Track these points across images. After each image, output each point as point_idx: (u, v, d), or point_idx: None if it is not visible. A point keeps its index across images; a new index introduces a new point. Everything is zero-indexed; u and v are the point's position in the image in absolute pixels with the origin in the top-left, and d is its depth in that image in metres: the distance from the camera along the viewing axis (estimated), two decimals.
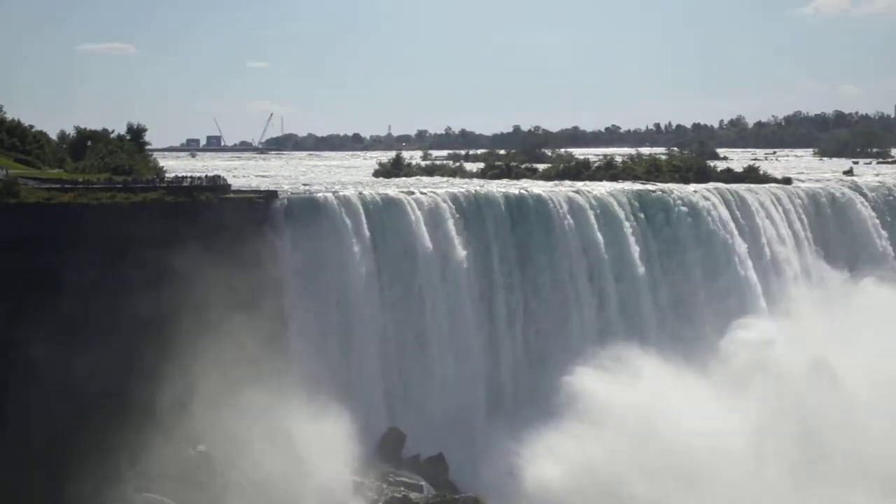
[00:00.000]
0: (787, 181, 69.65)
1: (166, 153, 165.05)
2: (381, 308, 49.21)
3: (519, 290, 52.84)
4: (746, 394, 49.82)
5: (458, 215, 52.38)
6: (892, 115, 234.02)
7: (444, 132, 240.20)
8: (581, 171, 70.96)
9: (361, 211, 49.99)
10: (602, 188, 59.50)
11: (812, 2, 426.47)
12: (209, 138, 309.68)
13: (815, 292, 60.01)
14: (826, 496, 45.24)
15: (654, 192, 59.82)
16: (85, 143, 72.31)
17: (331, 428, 42.94)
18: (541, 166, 77.65)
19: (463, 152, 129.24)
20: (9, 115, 69.16)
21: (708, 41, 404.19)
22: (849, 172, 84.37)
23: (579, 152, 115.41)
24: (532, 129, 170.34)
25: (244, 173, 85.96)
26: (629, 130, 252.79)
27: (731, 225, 59.64)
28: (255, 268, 45.49)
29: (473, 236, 52.42)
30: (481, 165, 79.69)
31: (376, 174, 74.95)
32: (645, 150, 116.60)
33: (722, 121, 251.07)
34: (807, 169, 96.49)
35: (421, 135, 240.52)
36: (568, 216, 54.94)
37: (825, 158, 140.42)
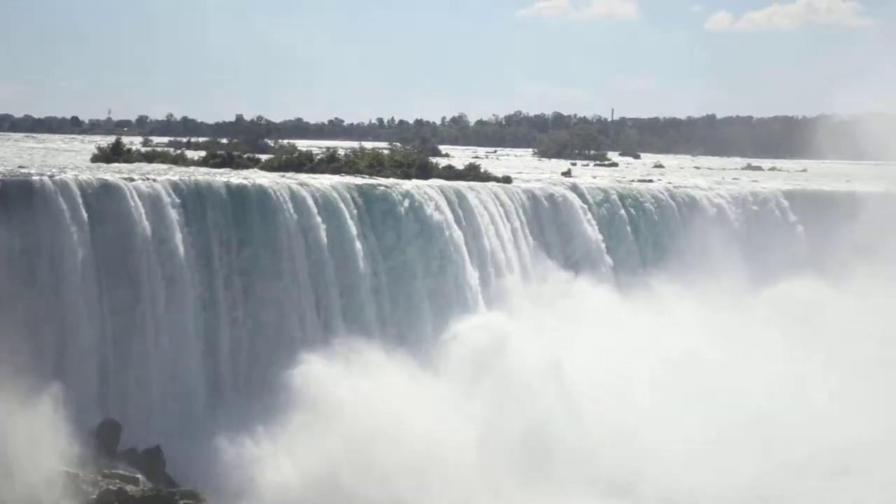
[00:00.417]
0: (508, 180, 70.95)
1: None
2: (98, 296, 47.95)
3: (240, 282, 52.39)
4: (471, 392, 50.67)
5: (178, 203, 51.58)
6: (610, 119, 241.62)
7: (165, 119, 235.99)
8: (304, 163, 70.62)
9: (79, 196, 48.68)
10: (325, 181, 59.49)
11: (534, 4, 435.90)
12: None
13: (534, 291, 61.44)
14: (549, 495, 46.46)
15: (376, 186, 60.16)
16: None
17: (41, 420, 41.71)
18: (264, 157, 76.98)
19: (185, 140, 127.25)
20: None
21: (430, 38, 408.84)
22: (567, 173, 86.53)
23: (303, 144, 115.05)
24: (255, 119, 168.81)
25: None
26: (352, 124, 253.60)
27: (452, 222, 60.51)
28: None
29: (194, 225, 51.69)
30: (203, 154, 78.46)
31: (95, 159, 72.91)
32: (368, 145, 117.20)
33: (444, 118, 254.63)
34: (526, 168, 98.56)
35: (142, 121, 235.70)
36: (290, 208, 54.80)
37: (544, 158, 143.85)
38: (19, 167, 54.77)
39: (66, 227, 47.53)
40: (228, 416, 48.84)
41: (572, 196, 69.55)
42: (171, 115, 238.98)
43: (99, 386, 47.72)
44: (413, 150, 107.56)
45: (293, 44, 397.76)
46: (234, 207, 53.48)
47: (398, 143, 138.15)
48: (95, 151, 77.63)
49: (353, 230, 56.47)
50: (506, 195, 66.12)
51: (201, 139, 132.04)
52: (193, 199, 52.45)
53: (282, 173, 63.46)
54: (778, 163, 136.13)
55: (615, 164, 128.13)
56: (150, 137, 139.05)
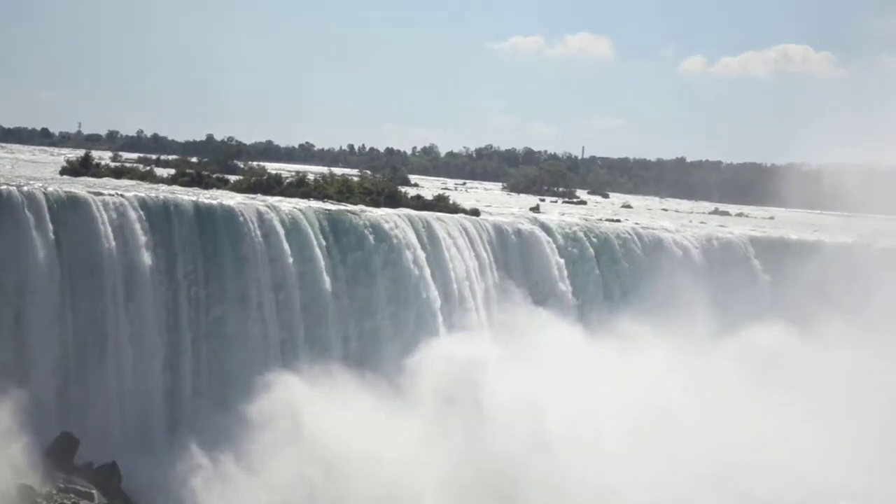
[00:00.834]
0: (476, 213, 71.11)
1: None
2: (61, 311, 47.75)
3: (204, 300, 52.29)
4: (435, 423, 50.55)
5: (145, 220, 51.45)
6: (580, 157, 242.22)
7: (135, 135, 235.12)
8: (273, 185, 70.59)
9: (45, 207, 48.51)
10: (293, 205, 59.45)
11: (508, 38, 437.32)
12: None
13: (498, 323, 61.47)
14: None
15: (344, 212, 60.16)
16: None
17: None
18: (233, 178, 76.92)
19: (154, 157, 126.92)
20: None
21: (404, 67, 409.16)
22: (535, 209, 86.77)
23: (272, 167, 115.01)
24: (226, 140, 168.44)
25: None
26: (323, 149, 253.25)
27: (420, 252, 60.57)
28: None
29: (160, 243, 51.57)
30: (172, 172, 78.31)
31: (63, 172, 72.68)
32: (338, 171, 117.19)
33: (415, 147, 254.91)
34: (495, 202, 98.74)
35: (112, 135, 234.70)
36: (257, 231, 54.75)
37: (513, 193, 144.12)
38: None
39: (31, 238, 47.33)
40: (187, 434, 48.63)
41: (540, 232, 69.70)
42: (142, 132, 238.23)
43: (58, 399, 47.45)
44: (383, 179, 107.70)
45: (267, 67, 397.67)
46: (201, 226, 53.38)
47: (368, 171, 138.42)
48: (64, 164, 77.40)
49: (320, 254, 56.44)
50: (473, 228, 66.16)
51: (171, 157, 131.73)
52: (160, 217, 52.30)
53: (250, 195, 63.33)
54: (745, 209, 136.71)
55: (584, 202, 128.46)
56: (120, 153, 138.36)
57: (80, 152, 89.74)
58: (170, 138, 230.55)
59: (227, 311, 52.70)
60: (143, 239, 50.79)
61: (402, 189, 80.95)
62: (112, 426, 48.47)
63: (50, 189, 50.01)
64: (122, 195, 52.14)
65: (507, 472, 49.65)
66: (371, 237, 59.07)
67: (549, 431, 52.03)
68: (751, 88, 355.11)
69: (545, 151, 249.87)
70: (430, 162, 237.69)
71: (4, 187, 48.37)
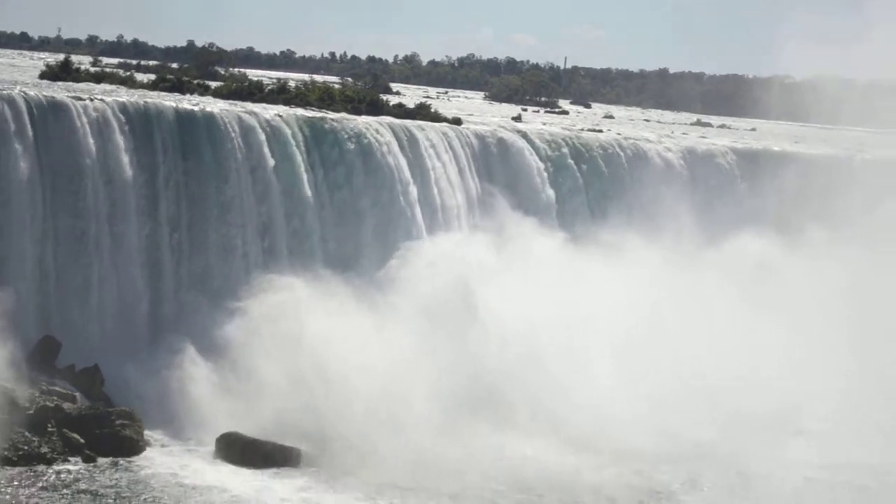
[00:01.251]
0: (458, 121, 70.84)
1: None
2: (42, 214, 47.86)
3: (185, 205, 52.25)
4: (419, 329, 50.58)
5: (126, 125, 51.26)
6: (563, 67, 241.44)
7: (115, 40, 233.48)
8: (254, 92, 70.27)
9: (25, 112, 48.32)
10: (274, 111, 59.22)
11: None
12: None
13: (480, 230, 61.44)
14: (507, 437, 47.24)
15: (325, 119, 59.95)
16: None
17: None
18: (213, 84, 76.52)
19: (135, 62, 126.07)
20: None
21: None
22: (517, 118, 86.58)
23: (253, 74, 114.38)
24: (206, 46, 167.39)
25: None
26: (304, 56, 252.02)
27: (401, 158, 60.47)
28: None
29: (141, 148, 51.44)
30: (153, 77, 77.85)
31: (43, 76, 72.20)
32: (319, 78, 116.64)
33: (397, 56, 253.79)
34: (477, 111, 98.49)
35: (92, 40, 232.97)
36: (239, 137, 54.58)
37: (495, 102, 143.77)
38: None
39: (10, 142, 47.16)
40: (169, 338, 48.86)
41: (521, 141, 69.49)
42: (122, 37, 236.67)
43: (40, 303, 47.68)
44: (364, 87, 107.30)
45: None
46: (182, 132, 53.15)
47: (350, 79, 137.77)
48: (44, 68, 76.86)
49: (301, 161, 56.31)
50: (455, 136, 65.96)
51: (151, 62, 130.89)
52: (141, 123, 52.08)
53: (231, 101, 63.01)
54: (728, 120, 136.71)
55: (566, 112, 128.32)
56: (100, 58, 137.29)
57: (60, 57, 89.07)
58: (150, 44, 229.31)
59: (208, 217, 52.68)
60: (123, 144, 50.63)
61: (384, 97, 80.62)
62: (94, 329, 48.66)
63: (30, 93, 49.72)
64: (102, 100, 51.83)
65: (497, 383, 49.97)
66: (352, 145, 58.90)
67: (538, 339, 52.26)
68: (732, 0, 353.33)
69: (527, 61, 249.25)
70: (412, 70, 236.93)
71: None
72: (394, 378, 47.55)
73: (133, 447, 43.30)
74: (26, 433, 41.89)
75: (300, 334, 48.24)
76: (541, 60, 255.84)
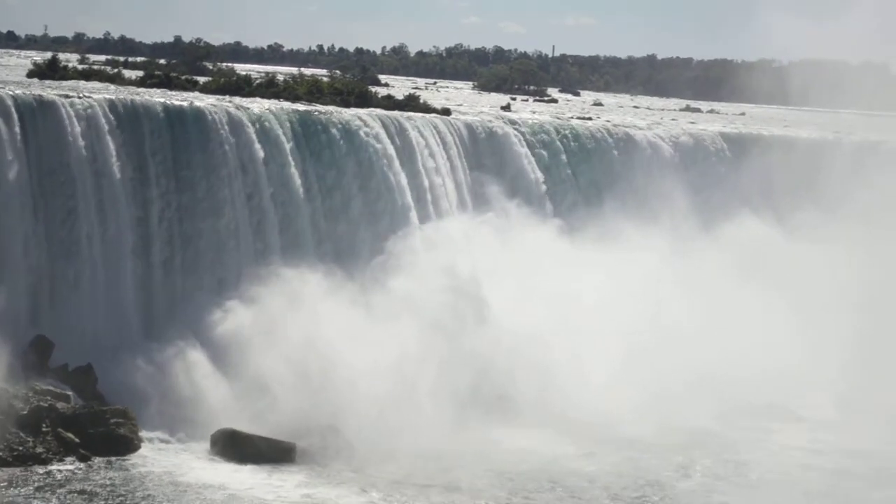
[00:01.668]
0: (447, 112, 70.79)
1: None
2: (33, 213, 47.76)
3: (176, 202, 52.02)
4: (411, 321, 50.43)
5: (115, 123, 51.12)
6: (551, 55, 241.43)
7: (103, 37, 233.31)
8: (242, 86, 70.17)
9: (14, 111, 48.13)
10: (263, 105, 59.11)
11: None
12: None
13: (471, 220, 61.27)
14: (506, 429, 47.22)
15: (314, 112, 59.85)
16: None
17: None
18: (202, 79, 76.39)
19: (122, 59, 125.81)
20: None
21: None
22: (506, 108, 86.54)
23: (241, 68, 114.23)
24: (194, 41, 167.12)
25: None
26: (292, 50, 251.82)
27: (391, 151, 60.35)
28: None
29: (131, 145, 51.30)
30: (141, 74, 77.70)
31: (31, 75, 72.04)
32: (307, 71, 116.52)
33: (385, 47, 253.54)
34: (466, 101, 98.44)
35: (79, 38, 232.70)
36: (228, 132, 54.46)
37: (484, 92, 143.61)
38: None
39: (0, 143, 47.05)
40: (161, 336, 48.69)
41: (511, 130, 69.45)
42: (109, 34, 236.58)
43: (32, 303, 47.59)
44: (353, 79, 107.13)
45: None
46: (172, 129, 53.01)
47: (338, 71, 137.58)
48: (31, 67, 76.71)
49: (291, 155, 56.18)
50: (445, 127, 65.88)
51: (139, 59, 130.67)
52: (130, 120, 51.93)
53: (220, 96, 62.89)
54: (717, 105, 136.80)
55: (555, 101, 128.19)
56: (87, 55, 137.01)
57: (47, 55, 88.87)
58: (137, 40, 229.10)
59: (199, 213, 52.55)
60: (113, 142, 50.50)
61: (373, 89, 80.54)
62: (87, 329, 48.48)
63: (18, 92, 49.61)
64: (91, 98, 51.69)
65: (499, 375, 50.02)
66: (342, 137, 58.80)
67: (539, 330, 52.23)
68: None
69: (515, 50, 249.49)
70: (400, 62, 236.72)
71: None
72: (393, 372, 47.50)
73: (128, 445, 43.27)
74: (21, 433, 41.84)
75: (296, 328, 48.10)
76: (529, 49, 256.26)
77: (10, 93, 49.16)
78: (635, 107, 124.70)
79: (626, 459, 46.29)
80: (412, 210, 59.83)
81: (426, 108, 70.60)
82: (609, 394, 49.99)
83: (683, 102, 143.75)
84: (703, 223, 68.22)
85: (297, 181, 55.86)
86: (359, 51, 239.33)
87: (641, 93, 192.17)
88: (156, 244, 51.32)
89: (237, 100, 60.83)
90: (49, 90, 53.00)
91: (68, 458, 41.87)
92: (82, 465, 41.64)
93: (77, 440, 42.42)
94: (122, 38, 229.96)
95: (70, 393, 44.89)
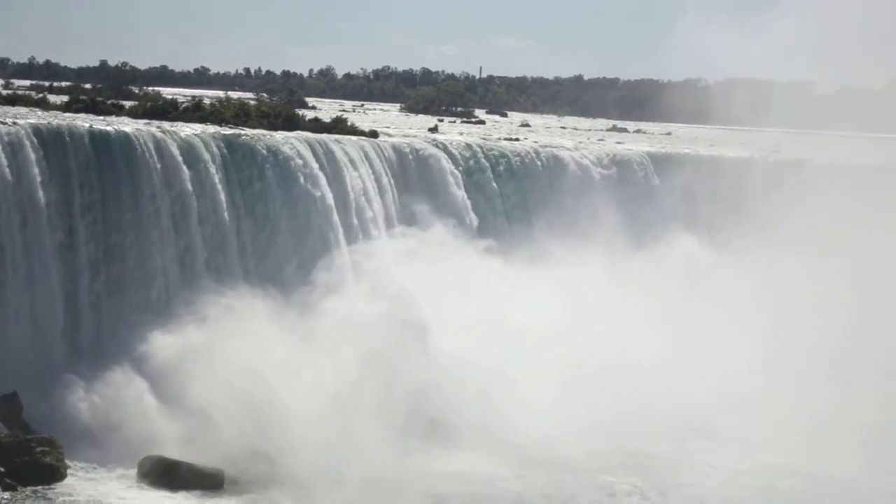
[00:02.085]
0: (374, 134, 70.79)
1: None
2: None
3: (102, 228, 51.43)
4: (338, 347, 50.23)
5: (40, 148, 50.51)
6: (478, 77, 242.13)
7: (27, 62, 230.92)
8: (169, 110, 69.68)
9: None
10: (189, 129, 58.75)
11: None
12: None
13: (399, 244, 61.25)
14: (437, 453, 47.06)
15: (241, 136, 59.58)
16: None
17: None
18: (128, 103, 75.82)
19: (47, 84, 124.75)
20: None
21: None
22: (434, 129, 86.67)
23: (168, 92, 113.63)
24: (120, 65, 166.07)
25: None
26: (219, 73, 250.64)
27: (319, 174, 60.21)
28: None
29: (56, 171, 50.65)
30: (66, 98, 77.02)
31: None
32: (234, 94, 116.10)
33: (312, 70, 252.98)
34: (393, 123, 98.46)
35: (2, 63, 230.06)
36: (154, 155, 54.03)
37: (411, 114, 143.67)
38: None
39: None
40: (89, 361, 48.22)
41: (439, 152, 69.61)
42: (34, 59, 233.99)
43: None
44: (280, 102, 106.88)
45: None
46: (97, 153, 52.48)
47: (265, 94, 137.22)
48: None
49: (218, 179, 55.85)
50: (372, 149, 65.87)
51: (64, 84, 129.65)
52: (55, 145, 51.33)
53: (146, 121, 62.44)
54: (643, 125, 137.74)
55: (482, 122, 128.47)
56: (12, 80, 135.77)
57: None
58: (62, 65, 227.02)
59: (125, 239, 52.00)
60: (38, 167, 49.87)
61: (300, 112, 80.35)
62: (10, 356, 47.76)
63: None
64: (15, 122, 51.10)
65: (435, 398, 49.93)
66: (269, 161, 58.56)
67: (475, 352, 52.20)
68: (648, 5, 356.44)
69: (443, 72, 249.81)
70: (328, 84, 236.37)
71: None
72: (331, 398, 47.24)
73: (54, 474, 42.69)
74: None
75: (230, 353, 47.73)
76: (456, 70, 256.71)
77: None
78: (562, 127, 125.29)
79: (555, 481, 46.38)
80: (340, 232, 59.73)
81: (353, 131, 70.53)
82: (546, 417, 50.08)
83: (610, 122, 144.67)
84: (633, 243, 68.70)
85: (224, 205, 55.53)
86: (286, 74, 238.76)
87: (569, 113, 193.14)
88: (82, 269, 50.65)
89: (164, 124, 60.37)
90: None
91: None
92: (7, 494, 41.03)
93: (2, 469, 41.80)
94: (48, 63, 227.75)
95: None
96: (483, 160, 71.89)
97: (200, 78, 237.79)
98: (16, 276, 48.51)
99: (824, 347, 57.46)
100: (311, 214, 58.85)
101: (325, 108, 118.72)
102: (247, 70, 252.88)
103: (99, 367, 47.48)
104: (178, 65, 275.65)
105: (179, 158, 54.80)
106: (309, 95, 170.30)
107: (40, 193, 49.57)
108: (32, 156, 49.92)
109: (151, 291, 52.20)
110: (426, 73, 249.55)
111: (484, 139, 79.15)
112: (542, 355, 53.64)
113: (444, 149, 70.53)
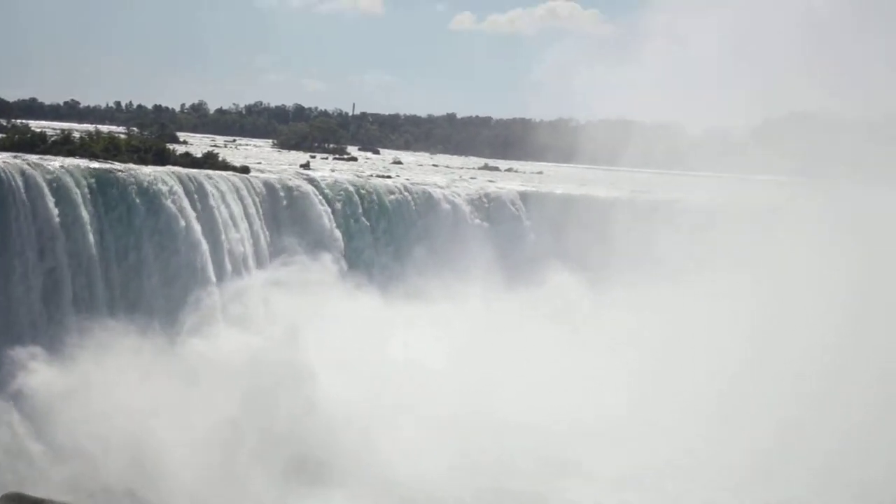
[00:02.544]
0: (246, 170, 70.45)
1: None
2: None
3: None
4: (211, 390, 49.59)
5: None
6: (351, 113, 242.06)
7: None
8: (37, 143, 68.45)
9: None
10: (58, 163, 57.87)
11: None
12: None
13: (271, 282, 60.86)
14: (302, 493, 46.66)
15: (111, 170, 58.88)
16: None
17: None
18: None
19: None
20: None
21: (172, 22, 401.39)
22: (306, 166, 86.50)
23: (37, 125, 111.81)
24: None
25: None
26: (89, 106, 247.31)
27: (189, 209, 59.75)
28: None
29: None
30: None
31: None
32: (104, 128, 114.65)
33: (184, 105, 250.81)
34: (265, 159, 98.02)
35: None
36: (21, 189, 53.13)
37: (284, 150, 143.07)
38: None
39: None
40: None
41: (310, 188, 69.52)
42: None
43: None
44: (151, 136, 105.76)
45: (28, 19, 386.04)
46: None
47: (135, 128, 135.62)
48: None
49: (86, 213, 55.09)
50: (243, 185, 65.56)
51: None
52: None
53: (14, 153, 61.35)
54: (515, 164, 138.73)
55: (354, 159, 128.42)
56: None
57: None
58: None
59: None
60: None
61: (171, 146, 79.59)
62: None
63: None
64: None
65: (318, 445, 49.55)
66: (139, 195, 57.96)
67: (355, 392, 51.95)
68: (519, 45, 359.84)
69: (316, 108, 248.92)
70: (200, 119, 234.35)
71: None
72: (205, 439, 46.64)
73: None
74: None
75: (93, 392, 46.99)
76: (329, 107, 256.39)
77: None
78: (434, 165, 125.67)
79: None
80: (211, 268, 59.25)
81: (225, 166, 70.10)
82: (424, 455, 49.90)
83: (482, 161, 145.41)
84: (507, 281, 69.14)
85: (92, 239, 54.75)
86: (157, 108, 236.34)
87: (441, 151, 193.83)
88: None
89: (32, 157, 59.39)
90: None
91: None
92: None
93: None
94: None
95: None
96: (355, 197, 72.05)
97: (70, 111, 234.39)
98: None
99: (702, 383, 57.97)
100: (182, 250, 58.33)
101: (197, 143, 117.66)
102: (118, 104, 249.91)
103: None
104: (48, 97, 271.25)
105: (47, 192, 53.96)
106: (181, 130, 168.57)
107: None
108: None
109: (19, 326, 51.18)
110: (299, 109, 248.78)
111: (356, 175, 79.23)
112: (420, 394, 53.51)
113: (316, 185, 70.48)
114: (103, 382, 47.57)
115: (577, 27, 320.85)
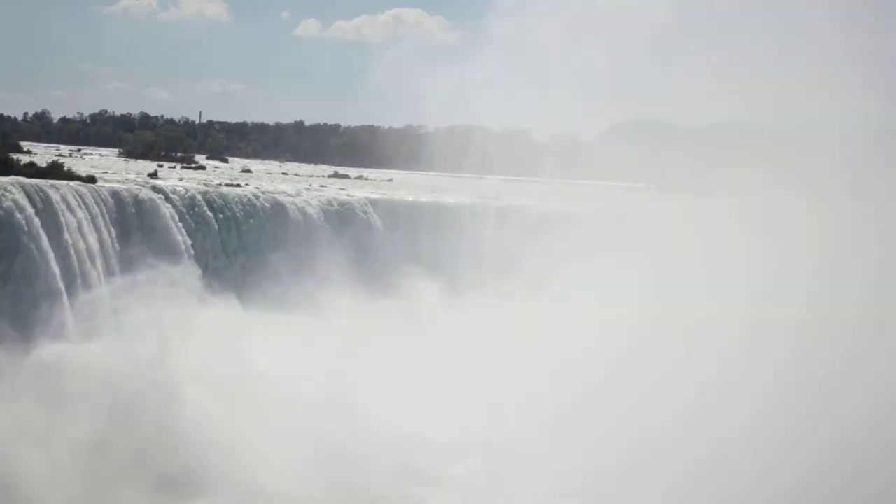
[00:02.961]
0: (92, 179, 69.34)
1: None
2: None
3: None
4: (78, 406, 48.52)
5: None
6: (197, 122, 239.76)
7: None
8: None
9: None
10: None
11: (119, 1, 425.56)
12: None
13: (122, 291, 59.85)
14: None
15: None
16: None
17: None
18: None
19: None
20: None
21: (13, 30, 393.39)
22: (153, 175, 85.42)
23: None
24: None
25: None
26: None
27: (35, 219, 58.53)
28: None
29: None
30: None
31: None
32: None
33: (27, 114, 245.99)
34: (112, 168, 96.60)
35: None
36: None
37: (130, 159, 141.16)
38: None
39: None
40: None
41: (158, 198, 68.75)
42: None
43: None
44: None
45: None
46: None
47: None
48: None
49: None
50: (90, 194, 64.52)
51: None
52: None
53: None
54: (365, 171, 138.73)
55: (203, 168, 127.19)
56: None
57: None
58: None
59: None
60: None
61: (14, 156, 78.05)
62: None
63: None
64: None
65: (185, 458, 48.75)
66: None
67: (219, 402, 51.37)
68: (366, 52, 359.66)
69: (162, 116, 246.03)
70: (43, 128, 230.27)
71: None
72: (69, 460, 45.69)
73: None
74: None
75: None
76: (176, 115, 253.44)
77: None
78: (284, 173, 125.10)
79: None
80: (59, 280, 58.12)
81: (70, 176, 68.88)
82: (291, 469, 49.53)
83: (332, 168, 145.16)
84: (362, 288, 69.19)
85: None
86: None
87: (290, 159, 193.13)
88: None
89: None
90: None
91: None
92: None
93: None
94: None
95: None
96: (204, 205, 71.36)
97: None
98: None
99: (568, 392, 58.35)
100: (28, 261, 57.10)
101: (41, 153, 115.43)
102: None
103: None
104: None
105: None
106: (24, 139, 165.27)
107: None
108: None
109: None
110: (145, 118, 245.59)
111: (205, 185, 78.47)
112: (286, 400, 53.13)
113: (165, 194, 69.70)
114: None
115: (424, 34, 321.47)
